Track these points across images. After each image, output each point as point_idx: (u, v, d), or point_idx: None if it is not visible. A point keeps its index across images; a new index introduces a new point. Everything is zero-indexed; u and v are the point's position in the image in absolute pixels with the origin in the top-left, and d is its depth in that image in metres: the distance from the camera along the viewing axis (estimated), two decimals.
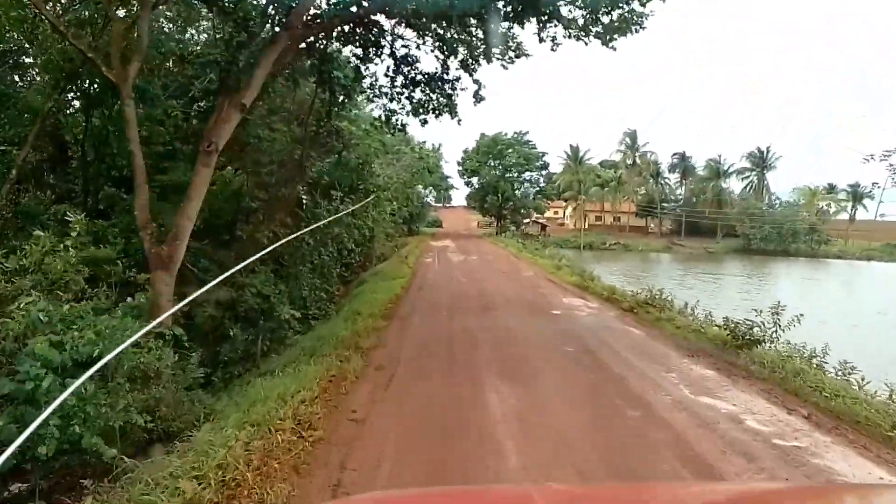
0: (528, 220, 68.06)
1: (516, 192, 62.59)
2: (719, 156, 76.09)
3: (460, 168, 63.63)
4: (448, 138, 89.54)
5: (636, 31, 10.53)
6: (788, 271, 51.58)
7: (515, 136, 62.29)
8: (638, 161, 76.51)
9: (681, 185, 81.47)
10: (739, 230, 70.64)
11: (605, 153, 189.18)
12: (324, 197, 15.92)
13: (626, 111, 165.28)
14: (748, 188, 76.54)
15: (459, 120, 13.74)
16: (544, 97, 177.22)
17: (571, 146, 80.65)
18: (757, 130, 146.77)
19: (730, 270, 49.79)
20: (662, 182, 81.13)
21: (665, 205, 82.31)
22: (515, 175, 62.71)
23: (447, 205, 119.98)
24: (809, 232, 69.23)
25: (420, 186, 54.27)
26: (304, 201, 15.67)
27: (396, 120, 14.74)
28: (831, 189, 78.36)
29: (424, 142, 59.44)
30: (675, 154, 79.70)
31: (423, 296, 16.03)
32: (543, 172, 64.50)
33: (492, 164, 62.75)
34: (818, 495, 1.75)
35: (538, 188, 63.00)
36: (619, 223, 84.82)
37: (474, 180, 63.94)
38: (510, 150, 60.97)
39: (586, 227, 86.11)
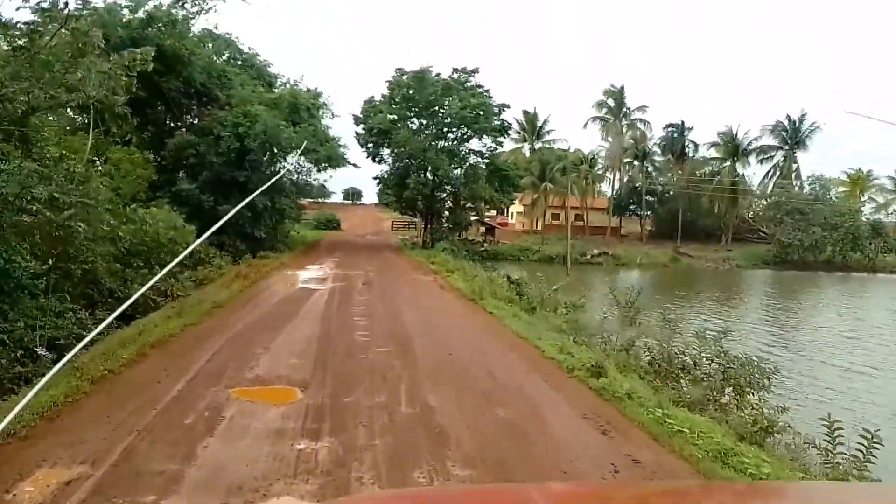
0: (475, 218, 41.87)
1: (456, 170, 36.15)
2: (736, 127, 53.58)
3: (361, 131, 36.30)
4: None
5: None
6: None
7: (457, 74, 35.84)
8: (626, 131, 52.60)
9: (673, 168, 58.32)
10: (777, 233, 48.36)
11: (573, 123, 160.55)
12: None
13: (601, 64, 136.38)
14: (772, 173, 54.73)
15: None
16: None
17: (526, 113, 55.75)
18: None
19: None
20: (647, 165, 57.85)
21: (650, 198, 59.36)
22: (455, 143, 36.36)
23: (357, 202, 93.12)
24: (872, 237, 48.14)
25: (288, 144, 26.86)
26: None
27: None
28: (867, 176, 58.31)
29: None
30: (668, 126, 56.57)
31: None
32: (501, 141, 38.30)
33: (416, 122, 36.06)
34: (818, 493, 1.65)
35: (494, 167, 36.75)
36: (583, 222, 60.82)
37: (385, 153, 36.91)
38: (448, 99, 34.49)
39: (539, 228, 61.75)
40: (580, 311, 12.42)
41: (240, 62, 30.29)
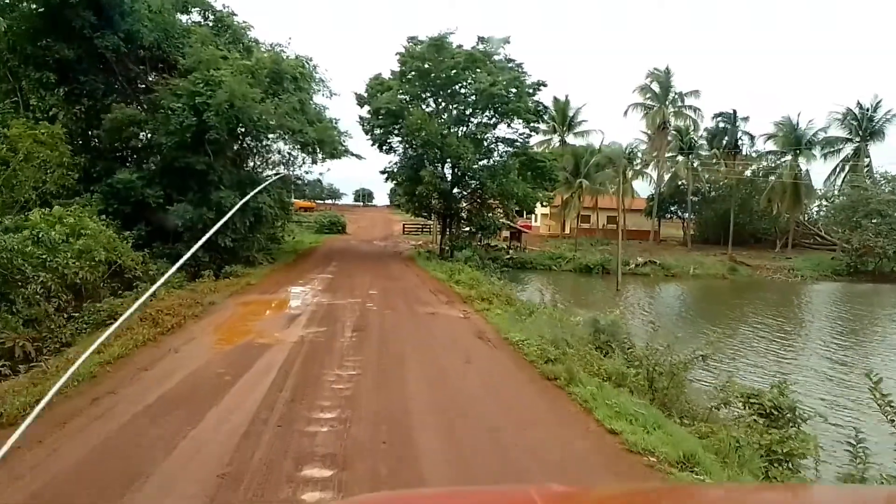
0: (504, 221, 35.11)
1: (481, 161, 29.41)
2: (797, 116, 46.35)
3: (365, 114, 29.77)
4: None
5: None
6: None
7: (482, 44, 29.12)
8: (673, 119, 45.67)
9: (720, 163, 51.01)
10: (853, 239, 41.16)
11: (607, 113, 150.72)
12: None
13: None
14: (841, 168, 47.34)
15: None
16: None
17: (556, 100, 48.87)
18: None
19: None
20: (694, 159, 50.71)
21: (694, 198, 52.25)
22: (480, 128, 29.66)
23: (368, 203, 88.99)
24: None
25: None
26: None
27: None
28: None
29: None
30: (718, 115, 49.41)
31: None
32: (537, 127, 31.58)
33: (431, 103, 29.48)
34: (817, 494, 1.65)
35: (528, 157, 30.07)
36: (616, 225, 53.64)
37: (395, 141, 30.31)
38: (473, 74, 27.81)
39: (567, 232, 54.79)
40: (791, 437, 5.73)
41: (210, 22, 23.83)
